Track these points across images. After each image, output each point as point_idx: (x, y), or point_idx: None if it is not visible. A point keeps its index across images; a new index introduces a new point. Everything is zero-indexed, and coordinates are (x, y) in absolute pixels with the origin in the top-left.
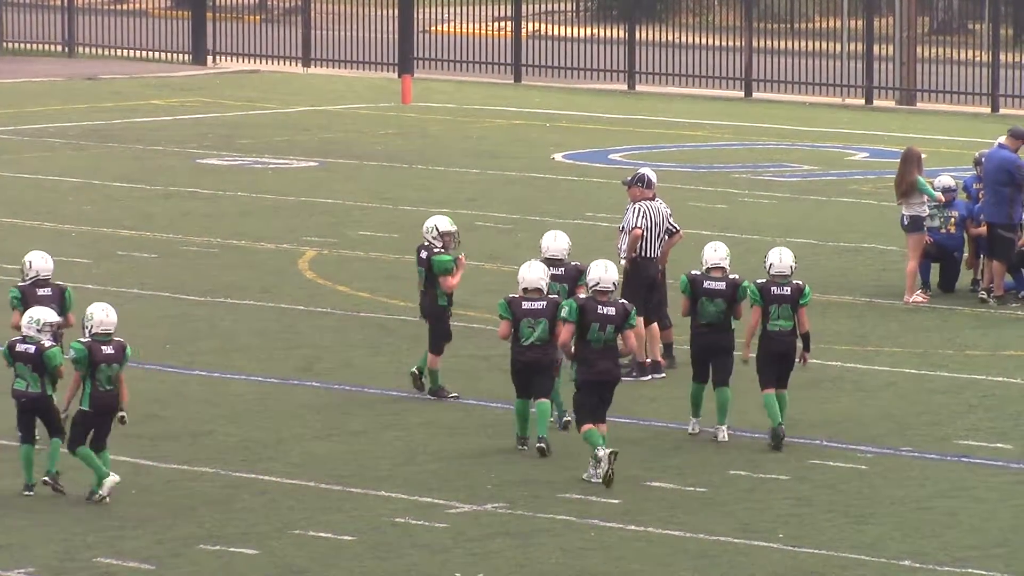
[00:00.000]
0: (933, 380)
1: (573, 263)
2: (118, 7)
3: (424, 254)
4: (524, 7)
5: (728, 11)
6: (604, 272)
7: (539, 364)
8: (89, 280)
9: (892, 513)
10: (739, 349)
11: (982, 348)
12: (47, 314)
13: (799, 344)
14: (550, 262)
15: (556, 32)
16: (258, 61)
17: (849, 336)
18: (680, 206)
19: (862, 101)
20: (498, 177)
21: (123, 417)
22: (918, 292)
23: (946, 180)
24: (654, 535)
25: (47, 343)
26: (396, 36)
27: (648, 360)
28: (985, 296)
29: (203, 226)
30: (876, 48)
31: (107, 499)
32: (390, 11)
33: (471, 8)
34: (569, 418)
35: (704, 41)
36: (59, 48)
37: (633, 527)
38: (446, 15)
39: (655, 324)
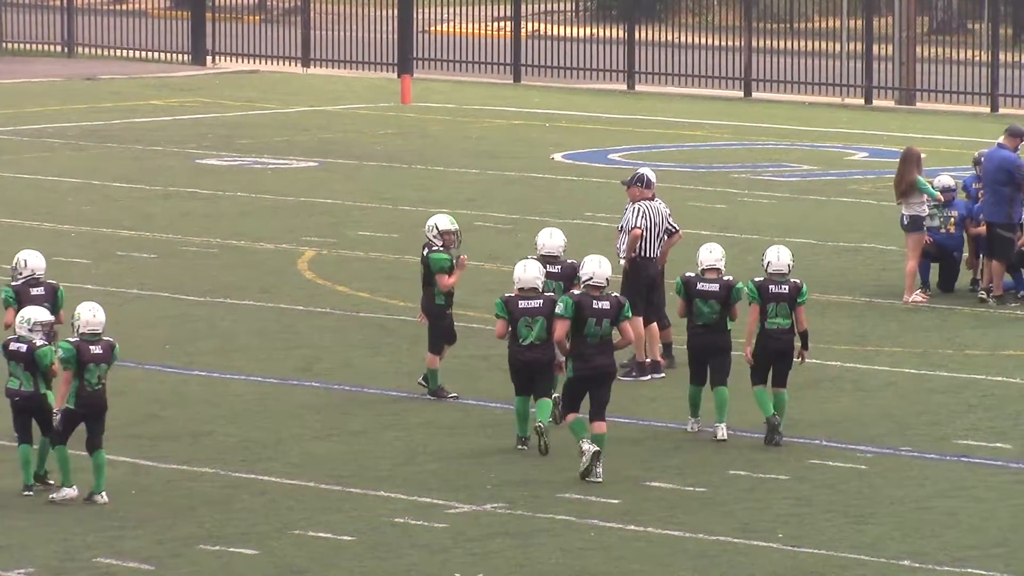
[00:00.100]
0: (933, 380)
1: (569, 260)
2: (117, 7)
3: (425, 252)
4: (523, 7)
5: (727, 11)
6: (598, 267)
7: (539, 363)
8: (88, 280)
9: (892, 513)
10: (739, 349)
11: (982, 348)
12: (39, 313)
13: (797, 343)
14: (546, 259)
15: (555, 32)
16: (257, 61)
17: (849, 336)
18: (679, 206)
19: (861, 101)
20: (498, 177)
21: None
22: (918, 292)
23: (945, 180)
24: (654, 535)
25: (39, 342)
26: (395, 36)
27: (648, 360)
28: (984, 296)
29: (202, 226)
30: (875, 48)
31: (105, 501)
32: (389, 11)
33: (470, 8)
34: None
35: (703, 41)
36: (58, 48)
37: (633, 527)
38: (445, 15)
39: (655, 324)
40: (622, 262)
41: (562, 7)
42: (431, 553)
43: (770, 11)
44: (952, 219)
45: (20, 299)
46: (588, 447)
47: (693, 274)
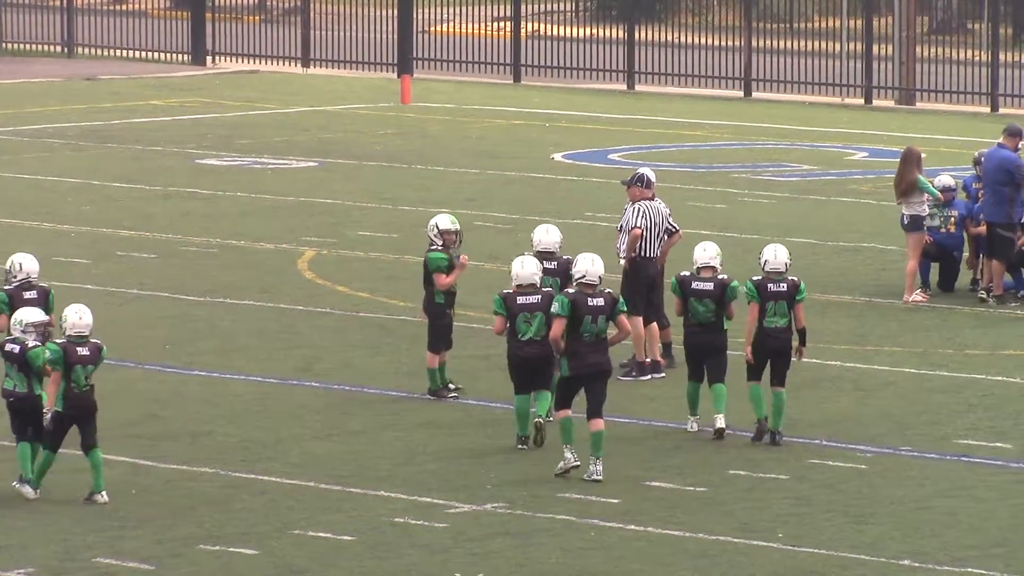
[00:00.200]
0: (932, 379)
1: (565, 257)
2: (117, 7)
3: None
4: (523, 7)
5: (727, 11)
6: (591, 265)
7: (538, 359)
8: (88, 280)
9: (891, 513)
10: (739, 349)
11: (981, 347)
12: (31, 315)
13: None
14: (542, 256)
15: (555, 32)
16: (257, 61)
17: (848, 335)
18: (679, 206)
19: (861, 101)
20: (497, 177)
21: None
22: (918, 291)
23: (946, 180)
24: (654, 535)
25: (31, 343)
26: (395, 36)
27: (648, 360)
28: (984, 295)
29: (202, 226)
30: (875, 48)
31: (106, 501)
32: (389, 11)
33: (470, 8)
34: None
35: (703, 41)
36: (58, 48)
37: (633, 527)
38: (445, 15)
39: (654, 324)
40: (622, 262)
41: (562, 7)
42: (431, 553)
43: (770, 11)
44: (952, 219)
45: (13, 303)
46: (569, 457)
47: (688, 273)
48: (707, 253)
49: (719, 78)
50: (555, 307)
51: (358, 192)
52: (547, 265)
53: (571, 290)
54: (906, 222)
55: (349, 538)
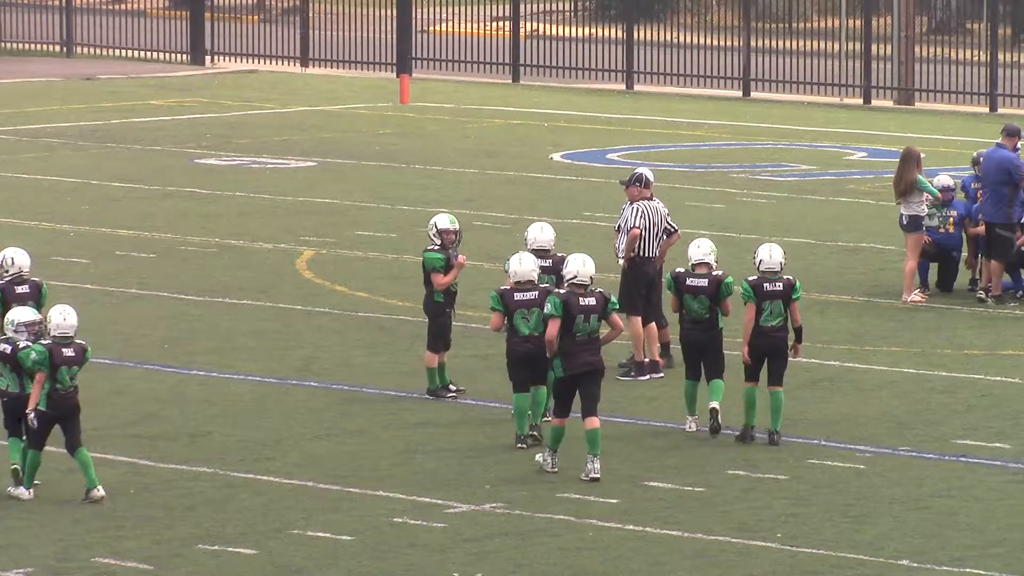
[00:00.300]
0: (931, 379)
1: (559, 254)
2: (116, 7)
3: None
4: (522, 7)
5: (726, 11)
6: (582, 266)
7: (538, 354)
8: (87, 280)
9: (890, 512)
10: (736, 349)
11: (980, 347)
12: (23, 315)
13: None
14: (537, 254)
15: (554, 32)
16: (256, 61)
17: (847, 335)
18: (678, 206)
19: (860, 100)
20: (496, 177)
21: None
22: (916, 291)
23: (944, 180)
24: (652, 535)
25: (22, 343)
26: (394, 36)
27: (647, 360)
28: (983, 296)
29: (201, 226)
30: (874, 48)
31: (102, 495)
32: (388, 11)
33: (469, 8)
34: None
35: (702, 41)
36: (57, 48)
37: (631, 527)
38: (444, 15)
39: (653, 324)
40: (621, 262)
41: (561, 7)
42: (430, 553)
43: (769, 11)
44: (951, 219)
45: (6, 297)
46: (548, 460)
47: (683, 269)
48: (701, 250)
49: (718, 78)
50: (547, 308)
51: (357, 192)
52: (542, 263)
53: (562, 290)
54: (905, 222)
55: (348, 538)
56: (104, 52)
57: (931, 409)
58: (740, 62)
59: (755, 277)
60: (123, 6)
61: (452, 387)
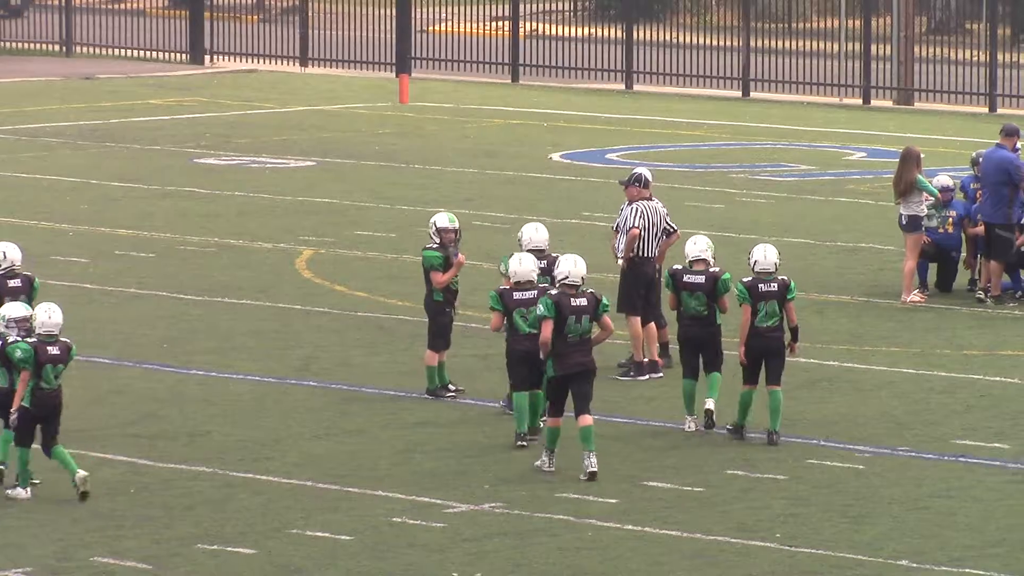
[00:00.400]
0: (930, 380)
1: (554, 255)
2: (115, 6)
3: None
4: (521, 7)
5: (726, 11)
6: (573, 266)
7: (538, 352)
8: (86, 279)
9: (889, 513)
10: (732, 349)
11: (979, 348)
12: (14, 310)
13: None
14: (533, 254)
15: (553, 32)
16: (255, 61)
17: (846, 336)
18: (677, 206)
19: (860, 101)
20: (495, 177)
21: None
22: (915, 292)
23: (944, 180)
24: (651, 535)
25: (12, 338)
26: (394, 36)
27: (646, 360)
28: (982, 296)
29: (200, 226)
30: (874, 48)
31: (86, 474)
32: (388, 11)
33: (469, 8)
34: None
35: (702, 41)
36: (56, 47)
37: (630, 526)
38: (444, 15)
39: (652, 324)
40: (620, 262)
41: (560, 7)
42: (429, 552)
43: (768, 11)
44: (950, 219)
45: None
46: (544, 460)
47: (680, 266)
48: (698, 247)
49: (717, 78)
50: (541, 309)
51: (356, 191)
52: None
53: (554, 291)
54: (904, 222)
55: (347, 538)
56: (103, 51)
57: (930, 409)
58: (739, 62)
59: (750, 279)
60: (122, 5)
61: (451, 387)
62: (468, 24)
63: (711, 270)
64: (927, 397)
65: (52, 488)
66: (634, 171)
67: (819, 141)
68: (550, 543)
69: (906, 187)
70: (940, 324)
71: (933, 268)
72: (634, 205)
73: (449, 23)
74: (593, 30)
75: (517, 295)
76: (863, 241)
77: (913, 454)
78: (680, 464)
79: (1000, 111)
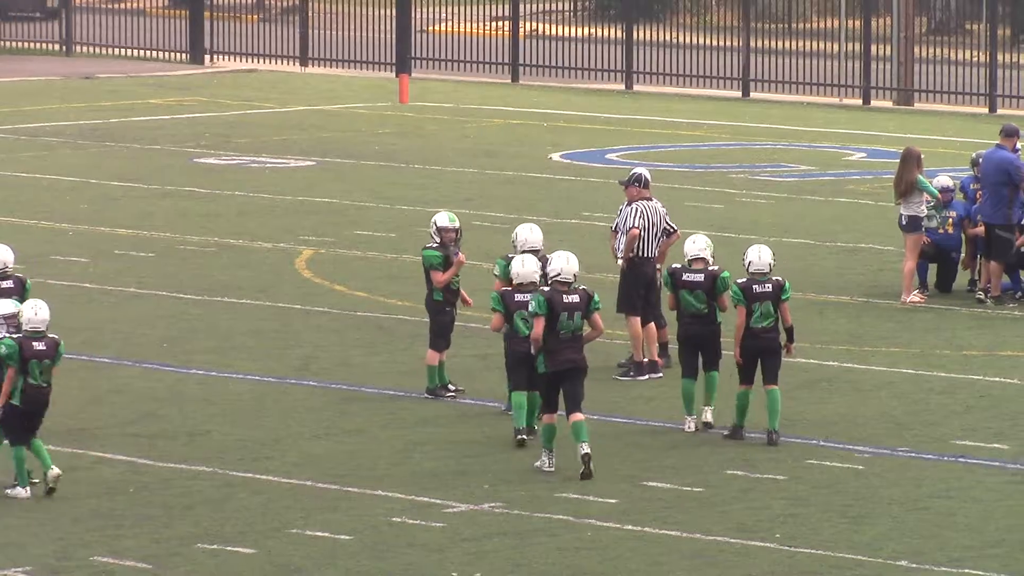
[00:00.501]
0: (930, 380)
1: (548, 255)
2: (115, 6)
3: None
4: (521, 7)
5: (726, 11)
6: (566, 263)
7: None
8: (86, 279)
9: (889, 513)
10: (728, 349)
11: (979, 348)
12: (2, 307)
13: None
14: (527, 254)
15: (553, 32)
16: (255, 60)
17: (846, 336)
18: (677, 206)
19: (860, 101)
20: (495, 177)
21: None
22: (915, 292)
23: (944, 180)
24: (650, 535)
25: (1, 335)
26: (394, 36)
27: (646, 360)
28: (982, 296)
29: (200, 225)
30: (874, 48)
31: (59, 472)
32: (388, 11)
33: (468, 8)
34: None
35: (702, 41)
36: (56, 47)
37: (629, 527)
38: (444, 15)
39: (652, 324)
40: (620, 262)
41: (560, 7)
42: (428, 552)
43: (768, 11)
44: (950, 220)
45: None
46: (544, 460)
47: (679, 265)
48: (697, 245)
49: (717, 78)
50: (532, 306)
51: (356, 191)
52: None
53: (546, 288)
54: (904, 222)
55: (346, 537)
56: (103, 51)
57: (930, 410)
58: (739, 62)
59: (744, 280)
60: (122, 5)
61: (451, 387)
62: (468, 24)
63: (710, 268)
64: (927, 397)
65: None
66: (633, 171)
67: (819, 141)
68: (549, 543)
69: (906, 187)
70: (940, 324)
71: (933, 269)
72: (634, 205)
73: (449, 23)
74: (593, 30)
75: (519, 297)
76: (863, 241)
77: (913, 454)
78: (680, 464)
79: (1000, 112)
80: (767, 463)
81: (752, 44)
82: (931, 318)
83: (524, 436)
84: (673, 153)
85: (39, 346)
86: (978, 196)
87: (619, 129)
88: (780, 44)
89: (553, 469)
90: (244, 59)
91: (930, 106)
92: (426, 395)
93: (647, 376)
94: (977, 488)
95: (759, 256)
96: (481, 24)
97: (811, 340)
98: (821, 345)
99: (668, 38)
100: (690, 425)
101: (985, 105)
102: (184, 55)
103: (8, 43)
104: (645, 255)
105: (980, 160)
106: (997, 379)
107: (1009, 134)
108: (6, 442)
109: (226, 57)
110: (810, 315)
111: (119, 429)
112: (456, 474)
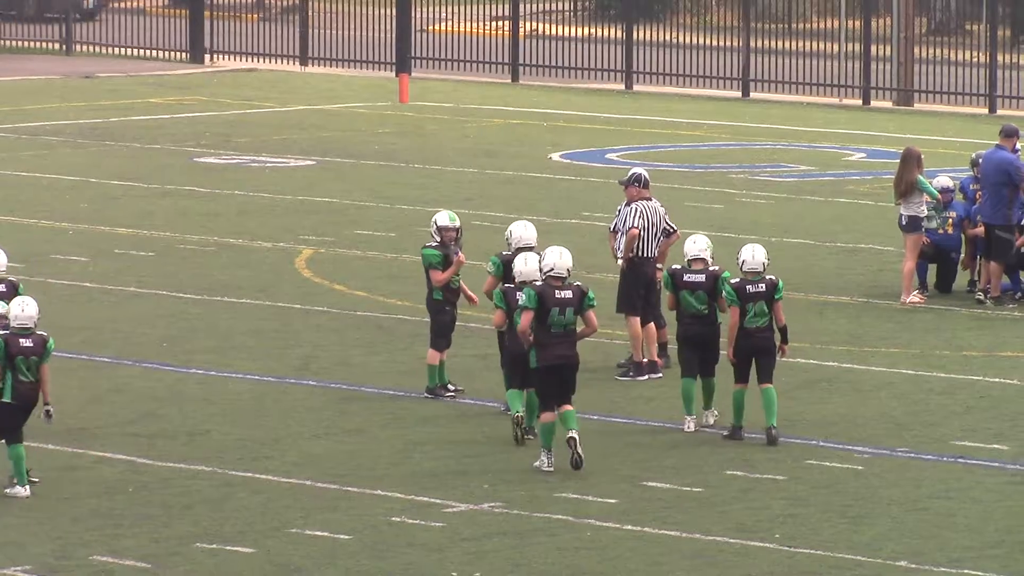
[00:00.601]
0: (930, 381)
1: (539, 252)
2: (115, 5)
3: None
4: (521, 6)
5: (726, 11)
6: (559, 258)
7: None
8: (86, 278)
9: (888, 513)
10: (724, 348)
11: (979, 349)
12: None
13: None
14: (522, 251)
15: (553, 31)
16: (255, 60)
17: (846, 336)
18: (677, 206)
19: (859, 101)
20: (495, 176)
21: (48, 411)
22: (915, 292)
23: (944, 181)
24: (650, 535)
25: None
26: (394, 35)
27: (645, 360)
28: (982, 297)
29: (200, 225)
30: (874, 48)
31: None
32: (388, 10)
33: (468, 7)
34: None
35: (702, 41)
36: (57, 46)
37: (629, 527)
38: (443, 14)
39: (651, 324)
40: (620, 262)
41: (560, 7)
42: (428, 552)
43: (768, 11)
44: (950, 220)
45: None
46: (544, 460)
47: (680, 266)
48: (697, 246)
49: (717, 78)
50: (522, 299)
51: (356, 191)
52: None
53: (538, 282)
54: (904, 223)
55: (346, 537)
56: (103, 50)
57: (929, 410)
58: (739, 62)
59: (737, 280)
60: (122, 4)
61: (451, 387)
62: (468, 24)
63: (711, 269)
64: (926, 398)
65: (51, 487)
66: (633, 171)
67: (819, 142)
68: (549, 543)
69: (907, 188)
70: (939, 325)
71: (932, 269)
72: (633, 205)
73: (449, 23)
74: (593, 30)
75: (521, 294)
76: (863, 242)
77: (912, 455)
78: (679, 464)
79: (1000, 112)
80: (767, 463)
81: (752, 44)
82: (931, 319)
83: (521, 415)
84: (673, 153)
85: (26, 343)
86: (978, 197)
87: (619, 129)
88: (780, 44)
89: (552, 469)
90: (244, 58)
91: (930, 106)
92: (426, 395)
93: (647, 376)
94: (976, 489)
95: (753, 255)
96: (481, 24)
97: (811, 340)
98: (821, 345)
99: (668, 38)
100: (690, 425)
101: (985, 106)
102: (184, 54)
103: (8, 42)
104: (645, 255)
105: (980, 160)
106: (997, 380)
107: (1009, 134)
108: (2, 441)
109: (226, 56)
110: (810, 315)
111: (119, 429)
112: (456, 474)
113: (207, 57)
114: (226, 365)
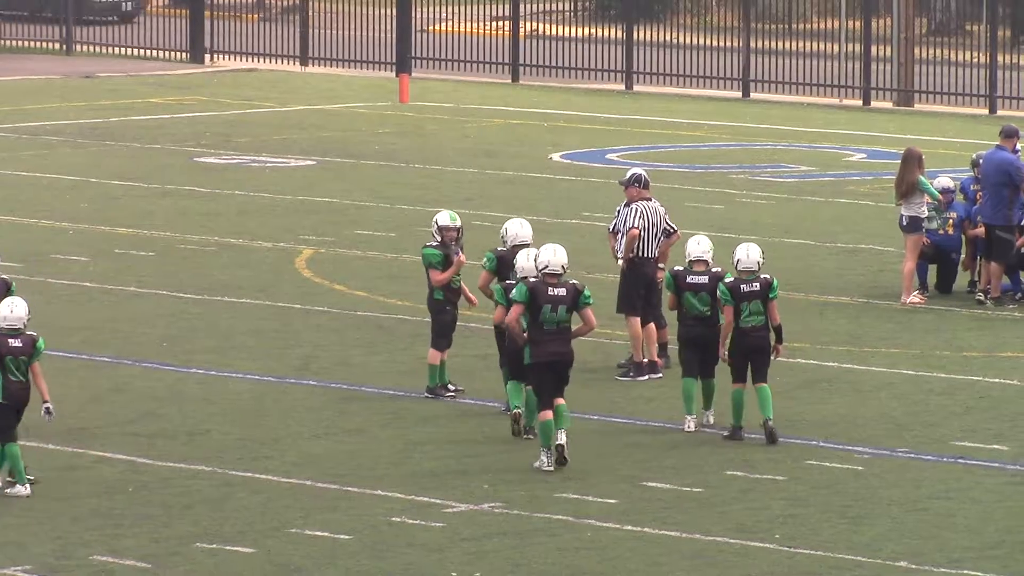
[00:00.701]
0: (930, 381)
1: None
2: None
3: None
4: (522, 7)
5: (726, 11)
6: (553, 255)
7: None
8: (86, 278)
9: (888, 514)
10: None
11: (979, 349)
12: None
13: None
14: (519, 248)
15: (554, 32)
16: (256, 60)
17: (846, 337)
18: (677, 206)
19: (860, 102)
20: (495, 177)
21: (48, 408)
22: (915, 293)
23: (944, 182)
24: (650, 535)
25: None
26: (394, 35)
27: (645, 360)
28: (982, 297)
29: (200, 224)
30: (874, 49)
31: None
32: (388, 10)
33: (469, 7)
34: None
35: (702, 41)
36: (57, 46)
37: (629, 527)
38: (444, 14)
39: (652, 324)
40: (620, 263)
41: (560, 7)
42: (428, 552)
43: (768, 12)
44: (950, 221)
45: None
46: (543, 460)
47: (682, 267)
48: (700, 247)
49: (717, 79)
50: (513, 293)
51: (356, 191)
52: None
53: (533, 279)
54: (905, 223)
55: (346, 537)
56: (103, 50)
57: (929, 411)
58: (740, 63)
59: (732, 279)
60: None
61: (451, 387)
62: (468, 24)
63: (713, 270)
64: (926, 398)
65: (51, 486)
66: (632, 171)
67: (819, 142)
68: (549, 543)
69: (908, 188)
70: (940, 325)
71: (933, 270)
72: (633, 206)
73: (449, 23)
74: (593, 30)
75: None
76: (863, 242)
77: (912, 455)
78: (679, 464)
79: (1000, 113)
80: (767, 464)
81: (752, 44)
82: (931, 319)
83: (519, 412)
84: (673, 153)
85: (15, 343)
86: (978, 197)
87: (619, 129)
88: (780, 45)
89: (552, 468)
90: (244, 58)
91: (930, 107)
92: (426, 394)
93: (647, 376)
94: (976, 489)
95: (747, 254)
96: (481, 24)
97: (811, 340)
98: (821, 345)
99: (668, 38)
100: (690, 425)
101: (985, 106)
102: (184, 54)
103: (8, 42)
104: (645, 255)
105: (980, 161)
106: (997, 380)
107: (1009, 135)
108: None
109: (226, 56)
110: (810, 315)
111: (119, 428)
112: (456, 474)
113: (207, 57)
114: (226, 365)
